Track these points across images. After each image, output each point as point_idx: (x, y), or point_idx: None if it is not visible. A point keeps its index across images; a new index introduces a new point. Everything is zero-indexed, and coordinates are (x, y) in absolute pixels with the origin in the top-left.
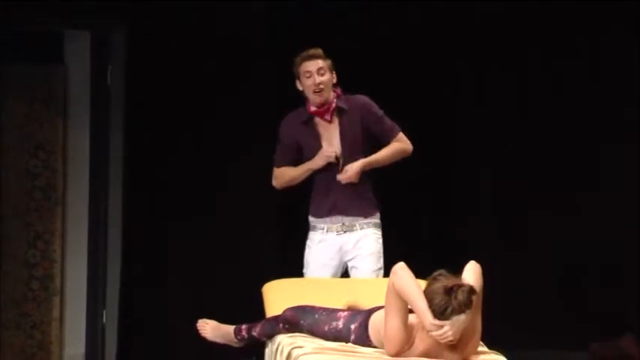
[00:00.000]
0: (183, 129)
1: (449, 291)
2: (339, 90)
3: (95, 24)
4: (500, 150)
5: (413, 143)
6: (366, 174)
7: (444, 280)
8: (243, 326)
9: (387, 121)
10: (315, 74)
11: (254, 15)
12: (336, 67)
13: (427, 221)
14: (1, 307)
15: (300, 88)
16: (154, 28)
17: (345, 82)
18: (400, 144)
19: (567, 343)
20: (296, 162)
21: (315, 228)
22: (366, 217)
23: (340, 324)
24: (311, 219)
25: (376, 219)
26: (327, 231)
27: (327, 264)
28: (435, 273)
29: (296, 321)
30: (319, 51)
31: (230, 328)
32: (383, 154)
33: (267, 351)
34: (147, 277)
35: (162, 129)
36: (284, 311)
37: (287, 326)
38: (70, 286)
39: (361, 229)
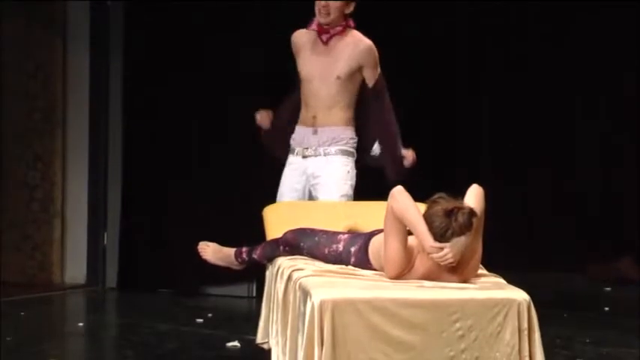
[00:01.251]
0: (185, 50)
1: (449, 213)
2: (351, 23)
3: None
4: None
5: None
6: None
7: (444, 202)
8: (244, 249)
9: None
10: None
11: None
12: None
13: None
14: (2, 230)
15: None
16: None
17: None
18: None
19: (566, 265)
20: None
21: (291, 150)
22: (336, 134)
23: (340, 247)
24: (290, 141)
25: (345, 146)
26: (296, 154)
27: (293, 187)
28: (435, 196)
29: (296, 243)
30: None
31: (231, 251)
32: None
33: (268, 274)
34: (147, 199)
35: (162, 51)
36: (284, 234)
37: (287, 249)
38: (70, 208)
39: (325, 155)
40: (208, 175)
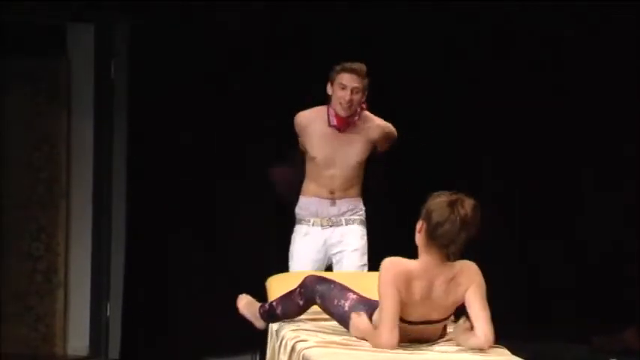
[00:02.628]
0: (187, 122)
1: (452, 203)
2: (364, 105)
3: (99, 17)
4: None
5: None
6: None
7: (447, 195)
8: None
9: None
10: (349, 90)
11: (255, 10)
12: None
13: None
14: (4, 301)
15: (330, 92)
16: (158, 21)
17: None
18: None
19: (568, 336)
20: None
21: (300, 221)
22: (354, 205)
23: (346, 306)
24: (297, 211)
25: (361, 216)
26: (313, 224)
27: (312, 258)
28: (437, 192)
29: (312, 286)
30: (363, 68)
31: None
32: None
33: (271, 345)
34: (150, 268)
35: (165, 122)
36: (305, 277)
37: (302, 290)
38: (73, 279)
39: (346, 224)
40: (215, 245)
